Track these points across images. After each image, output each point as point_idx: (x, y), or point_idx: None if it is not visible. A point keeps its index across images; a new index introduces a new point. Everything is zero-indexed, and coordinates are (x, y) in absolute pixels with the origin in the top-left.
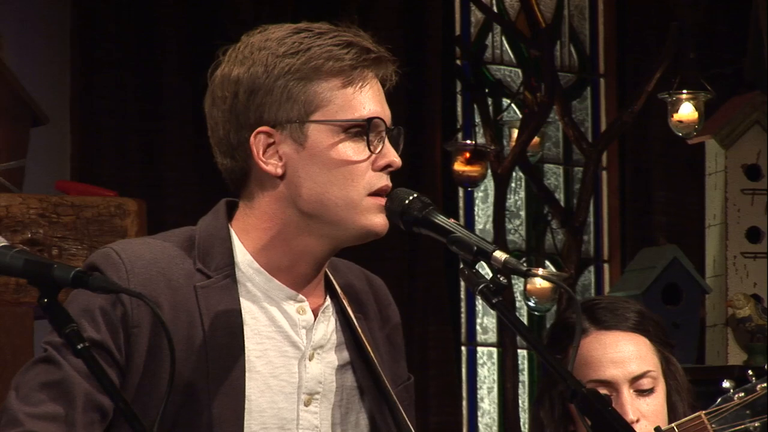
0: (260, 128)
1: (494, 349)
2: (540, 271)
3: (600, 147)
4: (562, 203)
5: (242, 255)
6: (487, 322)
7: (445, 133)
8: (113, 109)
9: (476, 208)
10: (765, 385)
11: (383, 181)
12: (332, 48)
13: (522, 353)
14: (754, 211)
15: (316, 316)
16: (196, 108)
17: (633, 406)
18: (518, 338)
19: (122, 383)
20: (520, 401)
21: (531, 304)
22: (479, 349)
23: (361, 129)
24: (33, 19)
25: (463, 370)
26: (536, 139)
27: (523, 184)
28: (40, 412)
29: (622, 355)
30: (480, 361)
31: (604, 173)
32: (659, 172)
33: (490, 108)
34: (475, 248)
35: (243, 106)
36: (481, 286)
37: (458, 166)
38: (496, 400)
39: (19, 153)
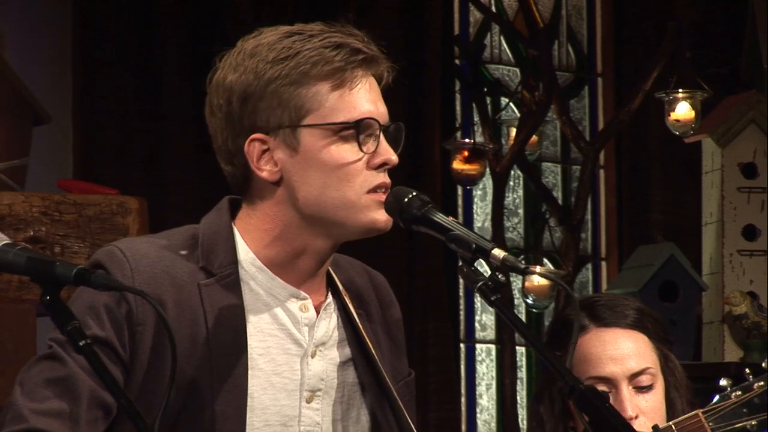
0: (254, 135)
1: (493, 346)
2: (538, 268)
3: (597, 145)
4: (560, 201)
5: (245, 253)
6: (485, 319)
7: (444, 131)
8: (115, 108)
9: (475, 206)
10: (762, 383)
11: (380, 178)
12: (321, 51)
13: (520, 350)
14: (750, 209)
15: (318, 313)
16: (197, 107)
17: (632, 403)
18: (516, 335)
19: (126, 380)
20: (518, 398)
21: (529, 301)
22: (478, 346)
23: (353, 130)
24: (35, 19)
25: (462, 367)
26: (534, 138)
27: (521, 182)
28: (45, 408)
29: (621, 352)
30: (479, 358)
31: (602, 171)
32: (656, 170)
33: (489, 107)
34: (474, 246)
35: (237, 114)
36: (479, 284)
37: (457, 165)
38: (494, 397)
39: (21, 151)
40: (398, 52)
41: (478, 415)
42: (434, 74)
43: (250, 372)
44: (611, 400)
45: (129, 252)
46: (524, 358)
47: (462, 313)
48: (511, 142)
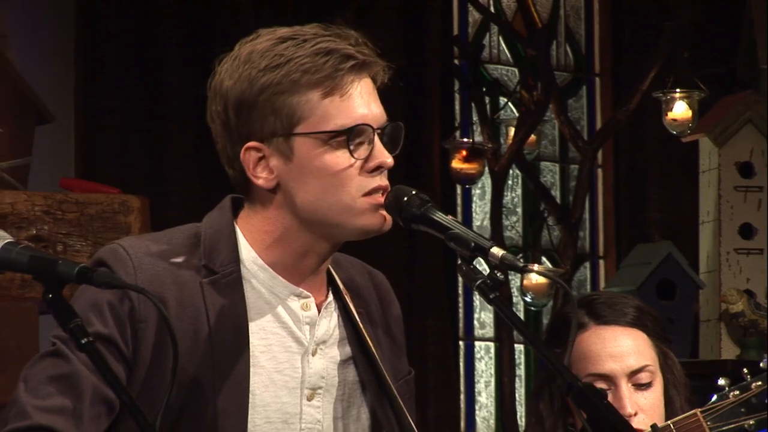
0: (249, 143)
1: (491, 344)
2: (536, 267)
3: (595, 145)
4: (558, 200)
5: (247, 252)
6: (484, 317)
7: (443, 131)
8: (116, 108)
9: (474, 205)
10: (760, 383)
11: (376, 181)
12: (311, 59)
13: (519, 348)
14: (746, 208)
15: (319, 311)
16: (198, 107)
17: (631, 400)
18: (515, 333)
19: (129, 377)
20: (516, 395)
21: (527, 299)
22: (477, 343)
23: (344, 137)
24: (38, 19)
25: (461, 365)
26: (533, 137)
27: (519, 181)
28: (48, 405)
29: (621, 350)
30: (477, 356)
31: (600, 171)
32: (654, 169)
33: (488, 106)
34: (473, 244)
35: (233, 122)
36: (478, 282)
37: (456, 164)
38: (493, 394)
39: (24, 151)
40: (398, 52)
41: (477, 412)
42: (433, 74)
43: (251, 369)
44: (610, 398)
45: (132, 250)
46: (523, 356)
47: (461, 311)
48: (510, 141)
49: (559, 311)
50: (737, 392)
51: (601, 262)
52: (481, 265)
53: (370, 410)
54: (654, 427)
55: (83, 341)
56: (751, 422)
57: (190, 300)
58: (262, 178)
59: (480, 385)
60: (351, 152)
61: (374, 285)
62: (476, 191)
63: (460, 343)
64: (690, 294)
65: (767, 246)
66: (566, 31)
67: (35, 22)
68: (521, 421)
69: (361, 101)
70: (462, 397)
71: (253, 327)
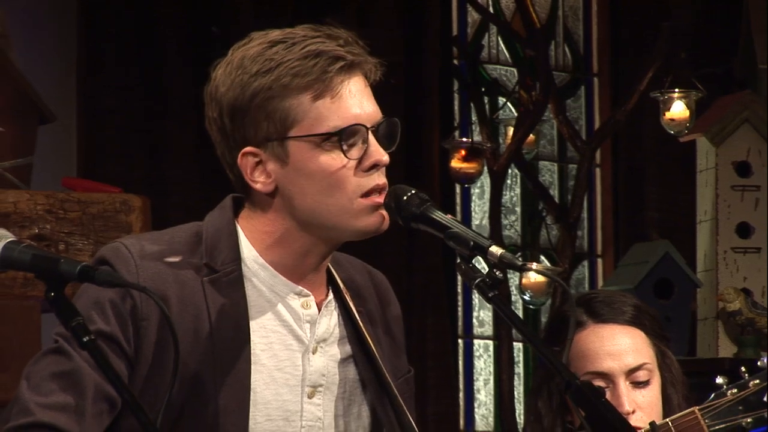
0: (245, 149)
1: (490, 342)
2: (535, 265)
3: (594, 145)
4: (556, 199)
5: (248, 251)
6: (483, 315)
7: (442, 131)
8: (117, 108)
9: (473, 204)
10: (758, 381)
11: (374, 180)
12: (299, 62)
13: (517, 346)
14: (744, 207)
15: (319, 310)
16: (198, 107)
17: (629, 398)
18: (514, 331)
19: (131, 375)
20: (515, 393)
21: (526, 297)
22: (476, 341)
23: (337, 139)
24: (40, 20)
25: (460, 363)
26: (531, 137)
27: (518, 180)
28: (51, 401)
29: (619, 348)
30: (476, 354)
31: (598, 170)
32: (652, 169)
33: (487, 106)
34: (472, 243)
35: (228, 128)
36: (477, 281)
37: (455, 163)
38: (492, 392)
39: (26, 150)
40: (397, 53)
41: (475, 409)
42: (433, 74)
43: (252, 367)
44: (608, 395)
45: (134, 248)
46: (521, 354)
47: (460, 309)
48: (509, 141)
49: (557, 310)
50: (735, 390)
51: (599, 261)
52: (480, 264)
53: (370, 408)
54: (652, 425)
55: (85, 339)
56: (749, 420)
57: (192, 298)
58: (260, 182)
59: (479, 383)
60: (344, 153)
61: (374, 284)
62: (475, 190)
63: (460, 341)
64: (687, 292)
65: (765, 245)
66: (565, 32)
67: (36, 23)
68: (520, 418)
69: (353, 101)
70: (461, 394)
71: (253, 325)
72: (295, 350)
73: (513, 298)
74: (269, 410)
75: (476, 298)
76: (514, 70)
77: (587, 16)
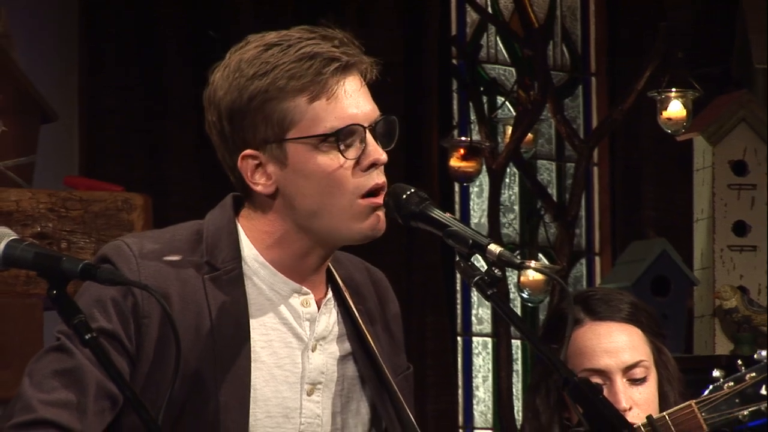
0: (245, 152)
1: (489, 340)
2: (533, 263)
3: (591, 144)
4: (554, 198)
5: (248, 249)
6: (482, 313)
7: (441, 130)
8: (117, 107)
9: (471, 203)
10: (754, 374)
11: (373, 179)
12: (294, 64)
13: (516, 343)
14: (740, 206)
15: (319, 308)
16: (198, 107)
17: (626, 395)
18: (512, 329)
19: (132, 372)
20: (514, 390)
21: (524, 295)
22: (474, 339)
23: (334, 139)
24: (42, 20)
25: (459, 360)
26: (530, 136)
27: (516, 179)
28: (53, 398)
29: (616, 345)
30: (475, 351)
31: (596, 169)
32: (649, 167)
33: (485, 106)
34: (471, 241)
35: (228, 132)
36: (476, 278)
37: (454, 162)
38: (490, 389)
39: (28, 149)
40: (397, 52)
41: (474, 406)
42: (432, 74)
43: (252, 364)
44: (605, 392)
45: (135, 246)
46: (520, 351)
47: (459, 307)
48: (507, 140)
49: (555, 307)
50: (732, 383)
51: (597, 259)
52: (479, 262)
53: (370, 405)
54: (650, 418)
55: (87, 337)
56: (746, 413)
57: (193, 296)
58: (260, 184)
59: (478, 380)
60: (342, 153)
61: (373, 282)
62: (474, 189)
63: (458, 338)
64: (684, 290)
65: (762, 243)
66: (563, 32)
67: (39, 23)
68: (518, 415)
69: (349, 101)
70: (460, 391)
71: (253, 323)
72: (295, 348)
73: (511, 295)
74: (269, 407)
75: (475, 295)
76: (513, 70)
77: (585, 16)
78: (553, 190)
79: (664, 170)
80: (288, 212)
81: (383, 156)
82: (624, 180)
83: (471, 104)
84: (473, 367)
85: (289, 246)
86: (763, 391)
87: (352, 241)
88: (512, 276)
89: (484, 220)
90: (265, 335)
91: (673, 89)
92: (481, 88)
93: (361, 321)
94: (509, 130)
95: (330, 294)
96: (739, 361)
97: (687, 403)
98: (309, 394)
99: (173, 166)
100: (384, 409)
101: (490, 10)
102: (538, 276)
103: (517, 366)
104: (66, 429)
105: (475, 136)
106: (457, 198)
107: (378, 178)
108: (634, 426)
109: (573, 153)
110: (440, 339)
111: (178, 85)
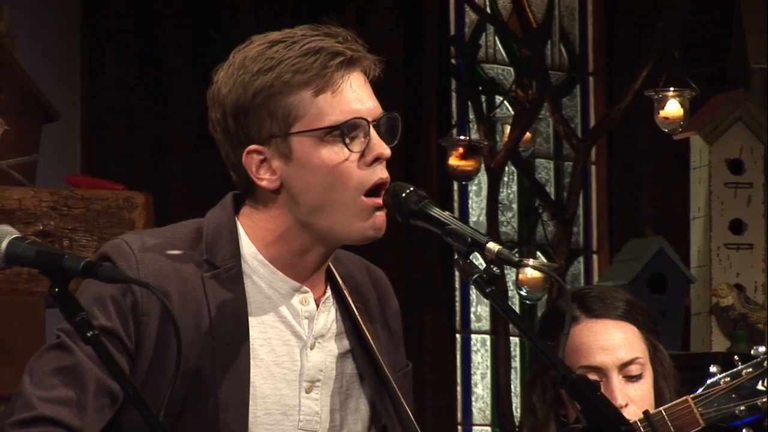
0: (250, 147)
1: (487, 337)
2: (531, 261)
3: (589, 142)
4: (552, 196)
5: (248, 247)
6: (480, 310)
7: (440, 129)
8: (118, 107)
9: (470, 201)
10: (751, 369)
11: (376, 174)
12: (299, 59)
13: (514, 340)
14: (736, 204)
15: (318, 306)
16: (199, 107)
17: (622, 392)
18: (510, 326)
19: (132, 369)
20: (512, 386)
21: (523, 293)
22: (473, 336)
23: (339, 133)
24: (44, 20)
25: (458, 357)
26: (528, 135)
27: (515, 178)
28: (53, 396)
29: (612, 342)
30: (474, 348)
31: (593, 168)
32: (646, 166)
33: (484, 105)
34: (470, 239)
35: (232, 128)
36: (475, 276)
37: (453, 161)
38: (489, 386)
39: (31, 148)
40: (397, 52)
41: (473, 403)
42: (431, 73)
43: (251, 362)
44: (602, 389)
45: (135, 245)
46: (518, 348)
47: (458, 304)
48: (506, 139)
49: (551, 304)
50: (728, 379)
51: (595, 257)
52: (478, 260)
53: (369, 402)
54: (646, 413)
55: (89, 334)
56: (742, 408)
57: (192, 293)
58: (265, 179)
59: (476, 377)
60: (347, 146)
61: (373, 281)
62: (473, 188)
63: (457, 336)
64: (681, 288)
65: (758, 241)
66: (560, 32)
67: (42, 24)
68: (516, 412)
69: (353, 96)
70: (459, 388)
71: (252, 321)
72: (293, 346)
73: (510, 293)
74: (267, 404)
75: (474, 293)
76: (511, 70)
77: (583, 17)
78: (551, 189)
79: (661, 169)
80: (291, 208)
81: (387, 151)
82: (621, 178)
83: (470, 103)
84: (472, 364)
85: (290, 243)
86: (760, 387)
87: (352, 240)
88: (511, 274)
89: (483, 218)
90: (264, 333)
91: (670, 89)
92: (480, 88)
93: (360, 319)
94: (507, 129)
95: (329, 292)
96: (736, 357)
97: (683, 398)
98: (308, 391)
99: (174, 165)
100: (383, 406)
101: (488, 10)
102: (536, 274)
103: (516, 363)
104: (66, 426)
105: (474, 135)
106: (455, 196)
107: (381, 173)
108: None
109: (571, 152)
110: (439, 336)
111: (178, 84)
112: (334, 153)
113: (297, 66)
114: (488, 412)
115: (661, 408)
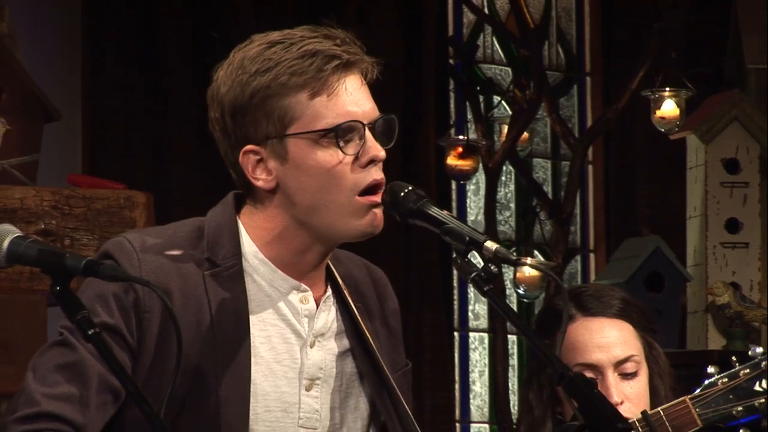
0: (246, 147)
1: (485, 335)
2: (529, 260)
3: (586, 142)
4: (550, 196)
5: (249, 246)
6: (478, 308)
7: (438, 129)
8: (119, 107)
9: (468, 201)
10: (748, 370)
11: (371, 176)
12: (297, 61)
13: (512, 338)
14: (732, 203)
15: (318, 305)
16: (199, 107)
17: (617, 389)
18: (508, 324)
19: (134, 366)
20: (510, 384)
21: (520, 291)
22: (471, 334)
23: (334, 135)
24: (45, 20)
25: (456, 355)
26: (525, 135)
27: (512, 177)
28: (56, 392)
29: (607, 340)
30: (472, 346)
31: (590, 167)
32: (643, 166)
33: (482, 105)
34: (468, 238)
35: (230, 128)
36: (473, 275)
37: (451, 161)
38: (487, 383)
39: (32, 148)
40: (396, 52)
41: (471, 400)
42: (429, 73)
43: (252, 359)
44: (597, 387)
45: (137, 243)
46: (515, 346)
47: (456, 303)
48: (503, 138)
49: (548, 303)
50: (726, 379)
51: (592, 256)
52: (476, 259)
53: (368, 400)
54: (644, 413)
55: (90, 332)
56: (740, 408)
57: (193, 292)
58: (261, 179)
59: (474, 375)
60: (341, 149)
61: (372, 280)
62: (471, 187)
63: (455, 334)
64: (678, 286)
65: (754, 240)
66: (558, 32)
67: (43, 24)
68: (514, 409)
69: (349, 98)
70: (457, 386)
71: (253, 319)
72: (294, 344)
73: (507, 291)
74: (268, 402)
75: (472, 292)
76: (509, 70)
77: (580, 17)
78: (548, 188)
79: (657, 168)
80: (288, 207)
81: (382, 153)
82: (618, 178)
83: (468, 103)
84: (470, 362)
85: (289, 242)
86: (757, 388)
87: (350, 237)
88: (508, 272)
89: (481, 217)
90: (264, 331)
91: (667, 89)
92: (478, 88)
93: (360, 318)
94: (505, 128)
95: (329, 291)
96: (734, 357)
97: (681, 398)
98: (308, 389)
99: (174, 165)
100: (382, 404)
101: (486, 10)
102: (534, 272)
103: (513, 361)
104: (69, 422)
105: (472, 135)
106: (454, 196)
107: (376, 174)
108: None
109: (568, 151)
110: (437, 335)
111: (178, 84)
112: (328, 155)
113: (294, 68)
114: (486, 410)
115: (659, 408)
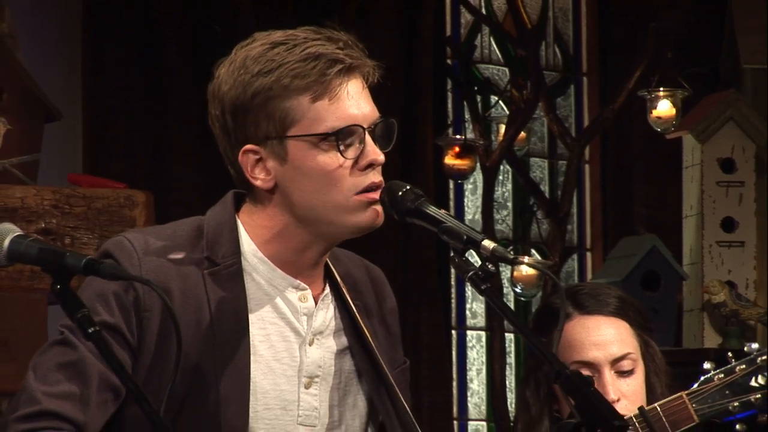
0: (246, 146)
1: (483, 333)
2: (526, 259)
3: (583, 142)
4: (547, 195)
5: (248, 245)
6: (476, 307)
7: (436, 128)
8: (119, 107)
9: (466, 200)
10: (744, 366)
11: (369, 179)
12: (299, 64)
13: (509, 336)
14: (728, 202)
15: (316, 303)
16: (199, 106)
17: (614, 387)
18: (505, 322)
19: (134, 364)
20: (507, 382)
21: (517, 290)
22: (468, 332)
23: (334, 138)
24: (45, 21)
25: (454, 353)
26: (522, 134)
27: (510, 176)
28: (57, 391)
29: (604, 338)
30: (469, 345)
31: (587, 166)
32: (639, 165)
33: (479, 105)
34: (465, 237)
35: (230, 126)
36: (470, 273)
37: (449, 160)
38: (484, 381)
39: (33, 147)
40: (395, 52)
41: (469, 398)
42: (427, 74)
43: (251, 357)
44: (594, 384)
45: (137, 242)
46: (513, 344)
47: (453, 301)
48: (501, 138)
49: (545, 301)
50: (722, 375)
51: (589, 255)
52: (473, 258)
53: (367, 398)
54: (641, 409)
55: (90, 330)
56: (736, 404)
57: (193, 290)
58: (260, 179)
59: (472, 373)
60: (341, 153)
61: (371, 279)
62: (468, 186)
63: (453, 332)
64: (674, 285)
65: (749, 239)
66: (555, 32)
67: (41, 23)
68: (511, 407)
69: (350, 102)
70: (455, 384)
71: (252, 317)
72: (293, 342)
73: (505, 290)
74: (267, 399)
75: (469, 290)
76: (506, 70)
77: (577, 17)
78: (545, 187)
79: (654, 168)
80: (286, 206)
81: (381, 157)
82: (615, 177)
83: (465, 103)
84: (467, 360)
85: (288, 240)
86: (753, 383)
87: (350, 234)
88: (506, 271)
89: (478, 216)
90: (263, 329)
91: (663, 89)
92: (475, 88)
93: (358, 316)
94: (502, 128)
95: (328, 289)
96: (730, 354)
97: (678, 394)
98: (307, 387)
99: (174, 165)
100: (381, 402)
101: (483, 11)
102: (531, 271)
103: (511, 359)
104: (69, 420)
105: (470, 135)
106: (451, 195)
107: (374, 177)
108: (624, 417)
109: (565, 151)
110: (435, 333)
111: (178, 84)
112: (328, 158)
113: (296, 71)
114: (483, 408)
115: (656, 404)
